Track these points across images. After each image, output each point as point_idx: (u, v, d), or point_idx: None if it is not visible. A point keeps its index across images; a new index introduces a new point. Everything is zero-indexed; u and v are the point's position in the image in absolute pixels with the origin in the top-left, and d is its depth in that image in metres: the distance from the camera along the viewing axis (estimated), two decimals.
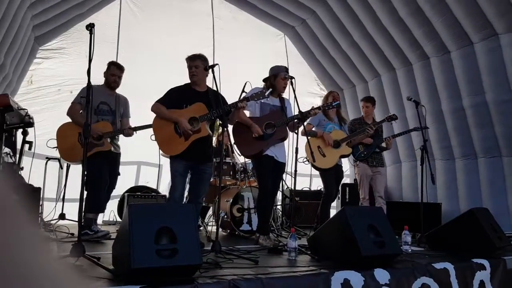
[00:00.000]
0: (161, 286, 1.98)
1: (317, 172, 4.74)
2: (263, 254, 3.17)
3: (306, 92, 7.23)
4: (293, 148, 3.55)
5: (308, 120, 4.33)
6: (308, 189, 6.51)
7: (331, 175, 4.53)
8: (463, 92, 5.38)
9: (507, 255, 3.42)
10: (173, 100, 3.49)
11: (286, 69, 3.93)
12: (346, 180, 6.57)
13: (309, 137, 4.37)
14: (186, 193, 3.66)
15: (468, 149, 5.56)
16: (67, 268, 0.35)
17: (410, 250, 3.54)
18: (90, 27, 2.66)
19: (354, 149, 4.89)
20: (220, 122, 3.52)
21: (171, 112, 3.45)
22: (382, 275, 2.64)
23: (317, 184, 6.34)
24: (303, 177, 6.68)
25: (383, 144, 5.03)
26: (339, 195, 6.02)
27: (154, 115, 3.53)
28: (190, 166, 3.53)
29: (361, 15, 5.89)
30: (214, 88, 3.49)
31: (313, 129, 4.58)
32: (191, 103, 3.46)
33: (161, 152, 3.56)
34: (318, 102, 6.62)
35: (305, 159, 4.39)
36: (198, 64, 3.52)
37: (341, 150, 4.56)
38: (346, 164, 6.52)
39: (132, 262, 1.97)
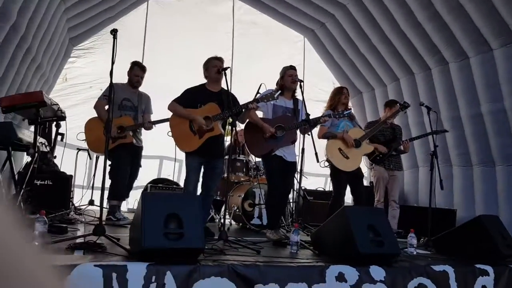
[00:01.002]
0: (168, 264, 2.21)
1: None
2: (267, 246, 3.34)
3: (322, 96, 7.35)
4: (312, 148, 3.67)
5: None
6: (322, 189, 6.64)
7: (343, 177, 4.41)
8: (481, 98, 5.35)
9: None
10: (188, 100, 3.74)
11: (291, 67, 4.02)
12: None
13: (329, 139, 4.42)
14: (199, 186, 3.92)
15: (486, 156, 5.50)
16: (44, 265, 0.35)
17: (415, 253, 3.55)
18: (114, 32, 2.88)
19: (370, 152, 4.87)
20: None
21: (187, 110, 3.71)
22: (377, 272, 2.72)
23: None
24: (319, 177, 6.84)
25: (401, 147, 5.08)
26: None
27: None
28: (203, 162, 3.78)
29: (379, 19, 5.96)
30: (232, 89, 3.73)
31: (328, 130, 4.51)
32: (205, 103, 3.71)
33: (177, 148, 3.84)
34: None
35: (326, 162, 4.39)
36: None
37: (363, 149, 4.45)
38: (363, 166, 6.59)
39: (143, 242, 2.22)
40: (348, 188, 4.53)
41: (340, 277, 2.63)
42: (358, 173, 4.50)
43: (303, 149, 3.59)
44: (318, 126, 4.40)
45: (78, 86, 6.09)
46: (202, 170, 3.85)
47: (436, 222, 4.43)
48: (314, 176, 6.72)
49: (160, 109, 4.58)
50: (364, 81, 7.10)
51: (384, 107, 5.38)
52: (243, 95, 4.01)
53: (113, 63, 2.80)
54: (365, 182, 6.84)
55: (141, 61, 5.24)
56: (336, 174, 4.43)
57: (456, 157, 5.92)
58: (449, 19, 5.21)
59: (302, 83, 3.80)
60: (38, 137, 3.45)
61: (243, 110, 3.68)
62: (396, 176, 5.10)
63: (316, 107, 6.78)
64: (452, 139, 5.87)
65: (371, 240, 2.91)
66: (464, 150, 5.77)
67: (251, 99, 3.80)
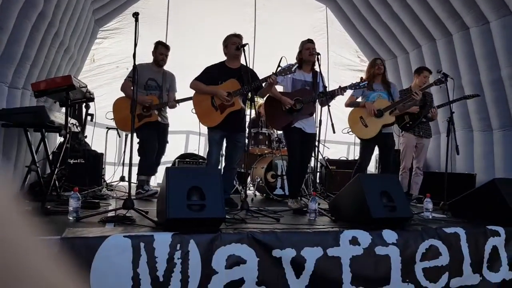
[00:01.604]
0: (191, 233, 2.40)
1: (352, 141, 4.81)
2: (287, 215, 3.51)
3: (346, 65, 7.34)
4: (326, 119, 3.77)
5: (351, 92, 4.52)
6: (345, 158, 6.73)
7: (369, 146, 4.59)
8: (502, 62, 5.26)
9: None
10: (209, 77, 3.89)
11: (309, 40, 4.09)
12: None
13: (352, 108, 4.57)
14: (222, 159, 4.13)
15: (506, 121, 5.46)
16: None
17: (430, 217, 3.65)
18: (136, 15, 2.99)
19: (399, 119, 4.92)
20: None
21: (209, 86, 3.86)
22: (389, 235, 2.86)
23: (356, 153, 6.56)
24: (341, 145, 6.93)
25: (429, 114, 5.06)
26: (378, 165, 6.02)
27: None
28: (225, 136, 3.97)
29: None
30: (250, 65, 3.84)
31: (358, 100, 4.64)
32: (225, 80, 3.85)
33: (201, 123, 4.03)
34: (358, 74, 6.71)
35: (349, 130, 4.58)
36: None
37: (384, 119, 4.50)
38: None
39: (168, 213, 2.40)
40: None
41: (354, 241, 2.76)
42: (388, 142, 4.59)
43: (320, 121, 3.71)
44: (349, 95, 4.57)
45: (105, 67, 6.30)
46: (225, 143, 4.04)
47: (456, 187, 4.47)
48: (336, 143, 6.79)
49: (184, 87, 4.74)
50: (386, 48, 7.03)
51: (413, 74, 5.36)
52: (266, 68, 4.10)
53: (135, 45, 2.93)
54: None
55: (164, 39, 5.37)
56: (362, 142, 4.62)
57: (477, 122, 5.88)
58: None
59: (319, 56, 3.86)
60: (69, 118, 3.67)
61: (263, 84, 3.80)
62: (423, 144, 5.15)
63: (341, 74, 6.85)
64: (473, 104, 5.81)
65: (384, 205, 3.01)
66: (485, 114, 5.72)
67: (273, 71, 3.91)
